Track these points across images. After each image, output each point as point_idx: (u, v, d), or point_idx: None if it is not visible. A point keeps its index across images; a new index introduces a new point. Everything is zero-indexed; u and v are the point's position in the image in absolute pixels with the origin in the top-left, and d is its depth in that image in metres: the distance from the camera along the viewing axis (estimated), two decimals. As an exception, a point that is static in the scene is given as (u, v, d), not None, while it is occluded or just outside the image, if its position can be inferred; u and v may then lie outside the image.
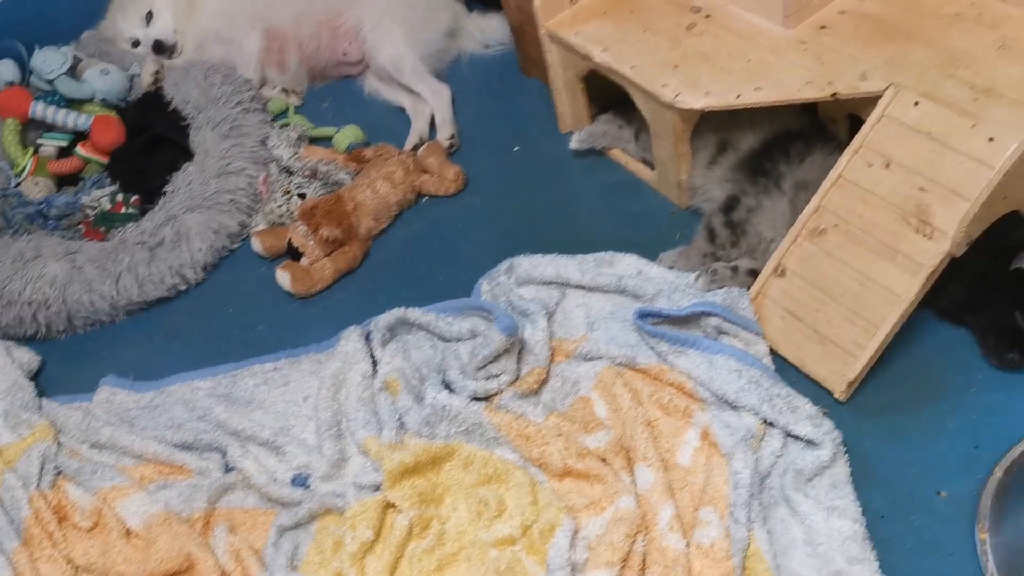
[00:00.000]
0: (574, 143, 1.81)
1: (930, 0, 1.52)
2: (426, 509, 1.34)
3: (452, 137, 1.94)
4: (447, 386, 1.46)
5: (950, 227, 1.29)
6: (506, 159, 1.90)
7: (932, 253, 1.31)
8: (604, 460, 1.35)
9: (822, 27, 1.54)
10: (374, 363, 1.54)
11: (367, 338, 1.56)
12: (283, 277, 1.72)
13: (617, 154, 1.81)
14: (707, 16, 1.63)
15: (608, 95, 1.75)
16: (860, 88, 1.42)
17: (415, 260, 1.75)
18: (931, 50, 1.44)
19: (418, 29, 2.04)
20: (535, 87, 2.00)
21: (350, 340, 1.55)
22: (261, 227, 1.86)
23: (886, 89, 1.40)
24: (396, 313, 1.56)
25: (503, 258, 1.64)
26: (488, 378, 1.45)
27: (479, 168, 1.89)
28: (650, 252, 1.60)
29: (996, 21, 1.46)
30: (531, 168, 1.87)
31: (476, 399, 1.44)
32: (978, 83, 1.36)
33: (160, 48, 2.16)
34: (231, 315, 1.76)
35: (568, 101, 1.83)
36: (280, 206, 1.85)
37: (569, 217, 1.75)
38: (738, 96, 1.47)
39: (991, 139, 1.28)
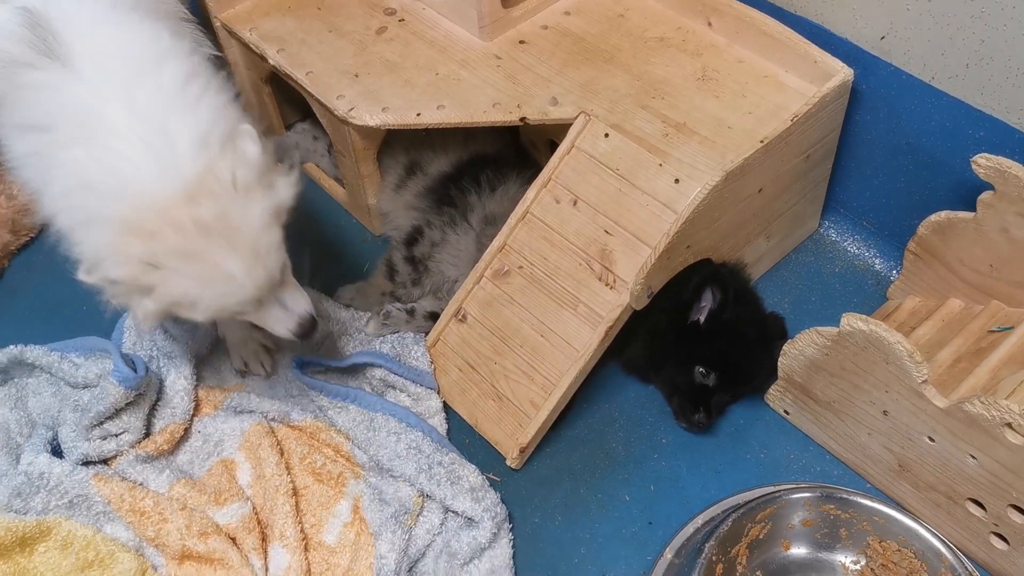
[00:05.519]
0: (260, 153, 1.57)
1: (636, 20, 1.39)
2: (7, 604, 1.09)
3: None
4: (56, 446, 1.20)
5: (631, 276, 1.15)
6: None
7: (613, 305, 1.17)
8: (234, 539, 1.13)
9: (521, 42, 1.37)
10: (-25, 413, 1.26)
11: (-32, 382, 1.28)
12: None
13: (311, 169, 1.59)
14: (401, 20, 1.43)
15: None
16: (550, 114, 1.26)
17: (59, 284, 1.46)
18: (629, 76, 1.30)
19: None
20: (235, 86, 1.75)
21: (-59, 385, 1.26)
22: None
23: (577, 117, 1.25)
24: (10, 352, 1.29)
25: (165, 285, 1.39)
26: (105, 438, 1.20)
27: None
28: (334, 285, 1.40)
29: (700, 49, 1.34)
30: (216, 180, 1.61)
31: (88, 463, 1.19)
32: (672, 116, 1.23)
33: None
34: None
35: (257, 105, 1.59)
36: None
37: (250, 239, 1.51)
38: (418, 115, 1.28)
39: (677, 180, 1.15)
